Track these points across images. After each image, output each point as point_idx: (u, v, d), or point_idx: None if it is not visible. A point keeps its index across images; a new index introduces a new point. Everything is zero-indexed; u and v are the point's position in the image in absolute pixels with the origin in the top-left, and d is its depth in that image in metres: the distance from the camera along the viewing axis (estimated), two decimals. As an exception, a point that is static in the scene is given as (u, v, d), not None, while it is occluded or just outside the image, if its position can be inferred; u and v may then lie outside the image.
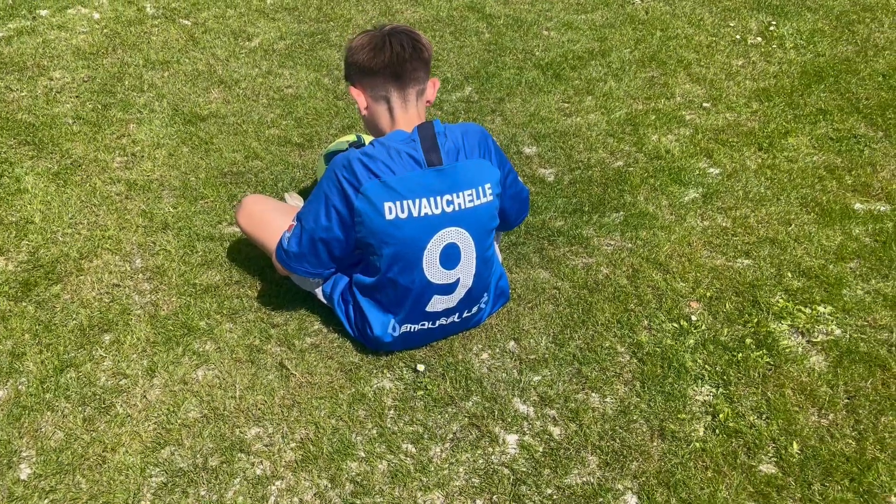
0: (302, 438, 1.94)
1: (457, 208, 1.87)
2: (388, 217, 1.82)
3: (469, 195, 1.89)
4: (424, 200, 1.83)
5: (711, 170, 2.85)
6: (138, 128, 3.03)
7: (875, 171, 2.82)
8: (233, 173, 2.80)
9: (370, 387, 2.06)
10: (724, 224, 2.60)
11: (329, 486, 1.84)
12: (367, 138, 2.48)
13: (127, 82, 3.29)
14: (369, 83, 1.89)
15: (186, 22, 3.78)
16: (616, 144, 2.97)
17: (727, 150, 2.93)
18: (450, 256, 1.92)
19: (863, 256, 2.46)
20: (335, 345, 2.18)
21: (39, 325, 2.21)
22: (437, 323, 2.05)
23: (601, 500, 1.81)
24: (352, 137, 2.54)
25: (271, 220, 2.17)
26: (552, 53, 3.52)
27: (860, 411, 1.98)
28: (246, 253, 2.45)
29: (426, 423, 1.98)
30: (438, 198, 1.85)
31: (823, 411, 2.00)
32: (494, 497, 1.82)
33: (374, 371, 2.10)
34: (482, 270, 1.99)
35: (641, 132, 3.02)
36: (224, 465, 1.87)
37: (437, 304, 1.98)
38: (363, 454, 1.91)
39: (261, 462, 1.89)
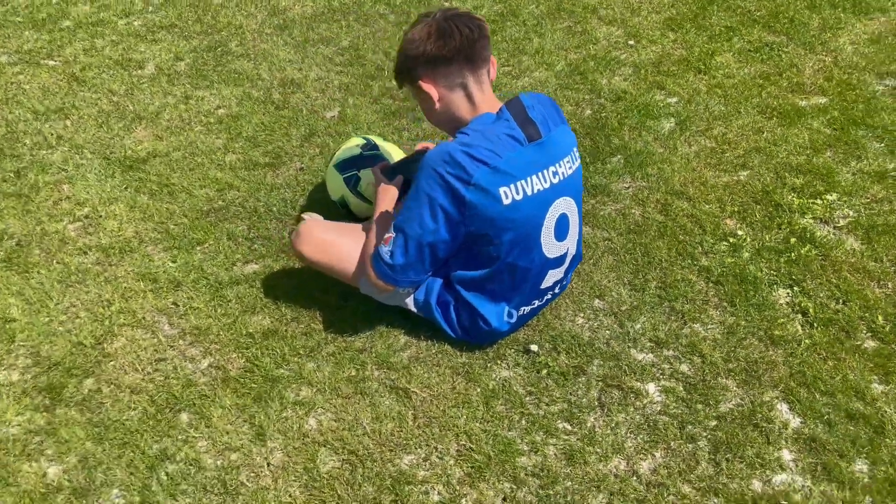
0: (459, 451, 1.86)
1: (562, 178, 1.86)
2: (506, 202, 1.76)
3: (567, 162, 1.88)
4: (534, 177, 1.79)
5: (670, 99, 3.01)
6: (73, 187, 2.65)
7: (799, 70, 3.13)
8: (215, 210, 2.55)
9: (493, 381, 2.01)
10: (709, 145, 2.78)
11: (514, 487, 1.78)
12: (378, 140, 2.36)
13: (28, 140, 2.85)
14: (442, 72, 1.80)
15: (53, 62, 3.32)
16: (574, 95, 3.05)
17: (673, 79, 3.11)
18: (561, 228, 1.90)
19: (832, 145, 2.74)
20: (435, 351, 2.09)
21: (97, 427, 1.91)
22: (545, 298, 2.03)
23: (759, 415, 1.90)
24: (359, 140, 2.40)
25: (341, 242, 2.02)
26: None
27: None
28: (284, 286, 2.26)
29: (567, 397, 1.96)
30: (545, 171, 1.82)
31: (882, 282, 2.22)
32: (672, 444, 1.85)
33: (488, 365, 2.04)
34: (581, 235, 2.00)
35: (591, 79, 3.12)
36: (399, 502, 1.74)
37: (550, 278, 1.96)
38: (527, 447, 1.86)
39: (433, 487, 1.78)
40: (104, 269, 2.35)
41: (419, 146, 2.21)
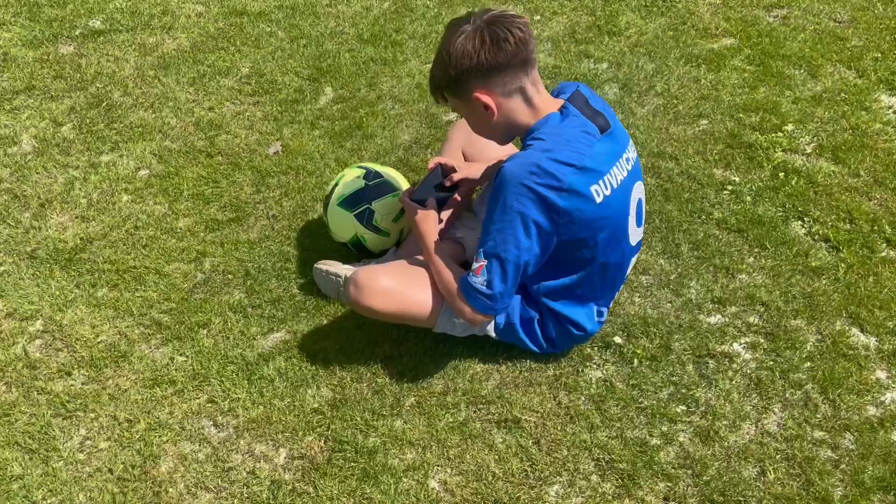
0: (598, 465, 1.79)
1: (633, 163, 1.81)
2: (598, 201, 1.69)
3: (632, 147, 1.84)
4: (615, 168, 1.73)
5: (601, 66, 3.05)
6: (6, 301, 2.21)
7: (699, 17, 3.29)
8: (199, 284, 2.24)
9: (592, 385, 1.95)
10: (660, 102, 2.85)
11: (669, 485, 1.75)
12: (377, 167, 2.19)
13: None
14: (498, 81, 1.68)
15: None
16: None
17: (594, 46, 3.15)
18: (639, 213, 1.87)
19: (762, 80, 2.91)
20: (519, 371, 1.99)
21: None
22: (621, 286, 1.99)
23: (841, 344, 2.00)
24: (357, 172, 2.20)
25: (408, 286, 1.86)
26: (366, 26, 3.31)
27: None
28: (326, 347, 2.05)
29: (669, 380, 1.95)
30: (621, 160, 1.76)
31: (869, 195, 2.40)
32: (785, 395, 1.90)
33: (578, 370, 1.98)
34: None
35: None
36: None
37: (630, 266, 1.92)
38: (660, 440, 1.83)
39: (593, 511, 1.70)
40: (102, 386, 1.99)
41: (431, 164, 2.06)
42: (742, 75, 2.92)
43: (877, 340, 2.01)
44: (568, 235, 1.70)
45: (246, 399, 1.94)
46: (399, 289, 1.84)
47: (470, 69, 1.65)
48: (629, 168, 1.78)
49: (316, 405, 1.91)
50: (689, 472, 1.76)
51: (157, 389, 1.97)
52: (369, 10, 3.40)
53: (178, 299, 2.19)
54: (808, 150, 2.59)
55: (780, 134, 2.64)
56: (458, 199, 2.08)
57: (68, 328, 2.13)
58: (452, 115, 2.80)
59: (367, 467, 1.78)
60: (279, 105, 2.88)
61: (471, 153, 2.22)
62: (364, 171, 2.18)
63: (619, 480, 1.75)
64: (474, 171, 2.08)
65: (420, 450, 1.82)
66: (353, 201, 2.13)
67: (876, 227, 2.29)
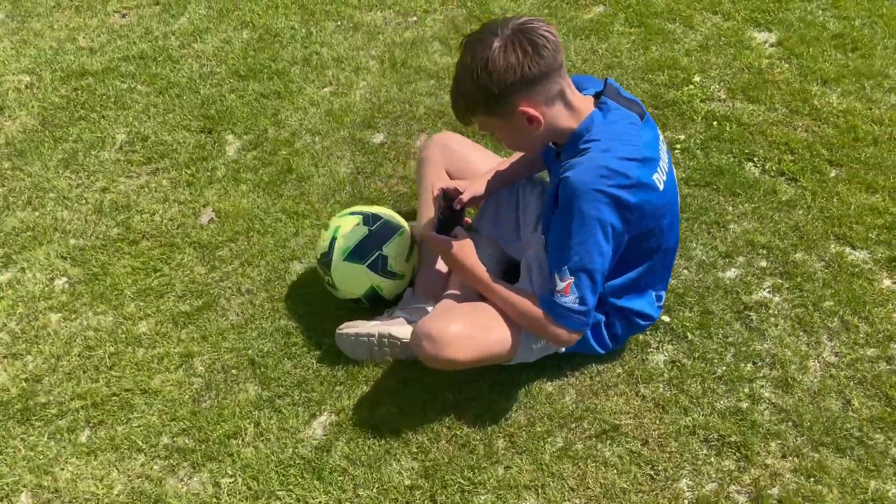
0: (712, 447, 1.80)
1: (665, 145, 1.82)
2: (661, 188, 1.67)
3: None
4: (661, 153, 1.73)
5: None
6: None
7: (562, -11, 3.37)
8: (199, 392, 1.95)
9: (664, 370, 1.95)
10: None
11: (782, 441, 1.79)
12: (370, 209, 2.03)
13: None
14: (541, 90, 1.59)
15: None
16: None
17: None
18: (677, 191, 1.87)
19: (649, 39, 3.05)
20: (590, 378, 1.95)
21: None
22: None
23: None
24: (354, 220, 2.02)
25: (480, 329, 1.74)
26: (237, 61, 3.02)
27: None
28: (387, 417, 1.87)
29: (726, 342, 2.00)
30: (661, 143, 1.76)
31: (802, 126, 2.62)
32: (842, 319, 2.02)
33: (643, 358, 1.97)
34: None
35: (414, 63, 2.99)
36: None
37: None
38: (749, 402, 1.88)
39: (741, 490, 1.71)
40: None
41: (436, 191, 1.93)
42: (630, 38, 3.03)
43: (868, 253, 2.18)
44: (638, 230, 1.66)
45: (328, 499, 1.70)
46: (474, 332, 1.70)
47: (514, 83, 1.55)
48: (666, 149, 1.77)
49: (408, 481, 1.73)
50: (790, 423, 1.81)
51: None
52: (229, 43, 3.10)
53: (186, 415, 1.87)
54: (723, 96, 2.74)
55: (692, 86, 2.78)
56: (469, 221, 1.97)
57: (68, 491, 1.75)
58: (382, 137, 2.64)
59: None
60: (185, 167, 2.55)
61: (455, 170, 2.10)
62: (360, 216, 1.99)
63: (737, 453, 1.76)
64: (478, 188, 1.98)
65: (539, 489, 1.71)
66: (361, 252, 1.94)
67: (814, 152, 2.49)
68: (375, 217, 1.99)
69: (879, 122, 2.58)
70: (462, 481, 1.73)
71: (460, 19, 3.19)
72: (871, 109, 2.64)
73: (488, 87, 1.55)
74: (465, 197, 1.92)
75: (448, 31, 3.13)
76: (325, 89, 2.87)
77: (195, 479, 1.77)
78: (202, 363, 1.99)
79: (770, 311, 2.04)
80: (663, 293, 1.90)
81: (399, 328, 1.92)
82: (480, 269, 1.78)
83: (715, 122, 2.61)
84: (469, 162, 2.10)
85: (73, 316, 2.12)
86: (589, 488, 1.71)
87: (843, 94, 2.71)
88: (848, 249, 2.20)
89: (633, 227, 1.64)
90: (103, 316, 2.12)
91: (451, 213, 1.90)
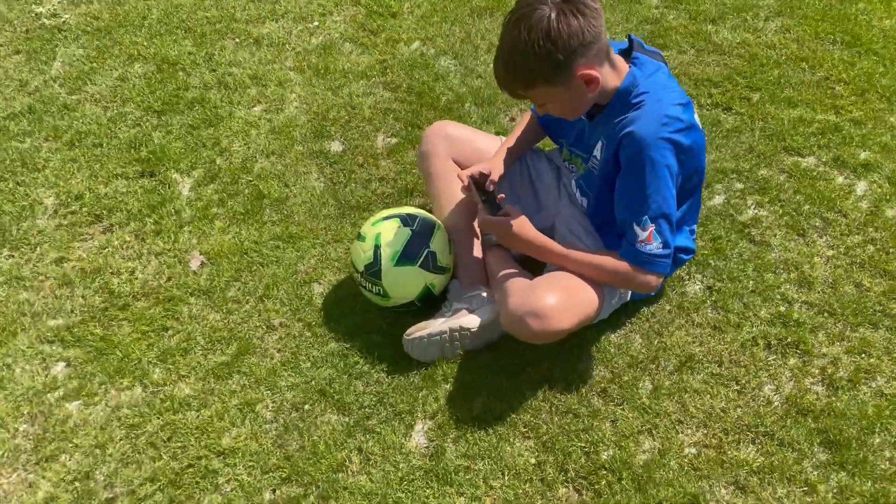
0: (779, 353, 1.99)
1: None
2: (700, 126, 1.81)
3: None
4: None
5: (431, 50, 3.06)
6: None
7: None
8: (284, 489, 1.85)
9: (702, 298, 2.11)
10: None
11: (830, 332, 2.02)
12: (402, 210, 2.02)
13: None
14: (594, 52, 1.65)
15: None
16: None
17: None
18: None
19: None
20: (644, 321, 2.06)
21: None
22: None
23: None
24: (392, 224, 1.98)
25: (572, 290, 1.80)
26: (147, 97, 2.80)
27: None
28: (484, 408, 1.88)
29: (744, 258, 2.20)
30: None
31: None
32: (835, 204, 2.28)
33: (679, 293, 2.11)
34: None
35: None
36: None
37: None
38: (787, 306, 2.08)
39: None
40: None
41: (465, 180, 1.95)
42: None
43: (815, 158, 2.48)
44: (688, 169, 1.78)
45: (466, 500, 1.69)
46: (569, 300, 1.75)
47: (577, 48, 1.60)
48: None
49: (533, 460, 1.77)
50: (825, 314, 2.03)
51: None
52: (126, 79, 2.87)
53: (280, 463, 1.77)
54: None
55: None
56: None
57: None
58: (340, 145, 2.58)
59: (640, 479, 1.71)
60: (144, 217, 2.35)
61: (462, 157, 2.11)
62: (397, 218, 1.96)
63: (797, 351, 1.96)
64: (498, 167, 2.02)
65: (652, 431, 1.81)
66: (410, 253, 1.92)
67: (734, 82, 2.77)
68: (412, 216, 1.96)
69: (772, 47, 2.91)
70: (582, 444, 1.77)
71: (361, 16, 3.16)
72: (759, 37, 2.96)
73: (553, 55, 1.58)
74: (495, 177, 1.95)
75: (355, 30, 3.09)
76: (256, 108, 2.75)
77: (320, 522, 1.67)
78: (268, 408, 1.87)
79: (765, 225, 2.26)
80: (695, 227, 2.04)
81: (467, 319, 1.91)
82: (547, 240, 1.83)
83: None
84: (475, 146, 2.12)
85: (95, 399, 1.90)
86: (693, 416, 1.82)
87: (732, 29, 3.01)
88: (798, 158, 2.47)
89: (685, 168, 1.76)
90: (130, 390, 1.92)
91: (487, 196, 1.91)
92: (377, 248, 1.91)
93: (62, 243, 2.27)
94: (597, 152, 1.82)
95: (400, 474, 1.73)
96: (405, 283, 1.92)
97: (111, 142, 2.59)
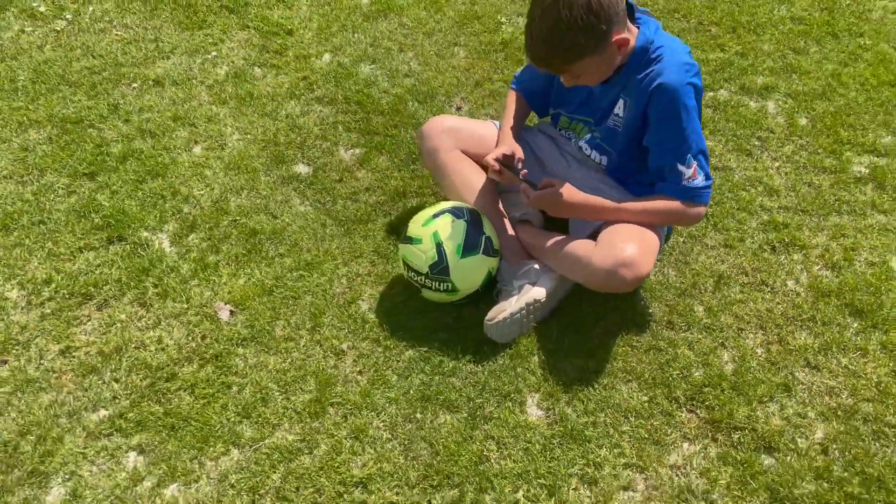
0: (782, 251, 2.31)
1: None
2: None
3: None
4: None
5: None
6: None
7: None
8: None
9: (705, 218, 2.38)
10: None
11: (814, 219, 2.38)
12: (445, 204, 2.09)
13: None
14: (622, 17, 1.81)
15: None
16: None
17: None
18: None
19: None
20: (674, 257, 2.30)
21: None
22: None
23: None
24: (446, 219, 2.01)
25: (640, 235, 1.96)
26: (84, 158, 2.55)
27: None
28: (577, 367, 1.98)
29: (738, 209, 2.51)
30: None
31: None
32: (754, 127, 2.66)
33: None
34: None
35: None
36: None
37: None
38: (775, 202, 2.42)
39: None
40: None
41: (496, 165, 2.04)
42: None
43: (726, 91, 2.85)
44: (700, 105, 2.00)
45: (607, 450, 1.81)
46: (643, 246, 1.90)
47: (614, 16, 1.74)
48: None
49: (645, 397, 1.91)
50: (802, 213, 2.37)
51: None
52: (30, 149, 2.60)
53: (422, 471, 1.77)
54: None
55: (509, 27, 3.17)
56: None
57: None
58: (306, 167, 2.54)
59: (736, 385, 1.93)
60: (138, 284, 2.17)
61: (469, 147, 2.19)
62: (448, 213, 2.00)
63: (801, 249, 2.27)
64: (513, 147, 2.12)
65: (734, 336, 2.03)
66: (471, 243, 1.98)
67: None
68: (459, 208, 2.02)
69: (645, 4, 3.26)
70: (676, 372, 1.95)
71: (256, 39, 3.09)
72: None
73: (597, 27, 1.72)
74: (519, 155, 2.06)
75: (258, 54, 3.02)
76: (197, 149, 2.61)
77: (490, 515, 1.70)
78: (380, 429, 1.85)
79: (718, 153, 2.58)
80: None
81: (535, 291, 2.01)
82: (597, 199, 1.97)
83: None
84: (477, 134, 2.20)
85: (194, 476, 1.76)
86: (749, 322, 2.08)
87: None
88: (713, 93, 2.84)
89: (699, 105, 1.98)
90: (227, 455, 1.80)
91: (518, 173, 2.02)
92: (439, 245, 1.94)
93: (59, 333, 2.03)
94: (618, 110, 1.98)
95: (539, 447, 1.79)
96: (472, 274, 1.97)
97: (52, 216, 2.33)
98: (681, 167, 1.90)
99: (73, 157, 2.52)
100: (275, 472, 1.75)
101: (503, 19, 3.20)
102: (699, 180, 1.91)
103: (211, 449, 1.80)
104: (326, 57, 3.01)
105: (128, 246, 2.25)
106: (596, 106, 2.06)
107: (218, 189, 2.44)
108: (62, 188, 2.43)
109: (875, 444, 1.80)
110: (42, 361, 1.97)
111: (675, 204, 1.94)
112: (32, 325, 2.04)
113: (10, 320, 2.05)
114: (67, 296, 2.12)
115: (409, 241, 1.99)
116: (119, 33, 3.11)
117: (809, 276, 2.18)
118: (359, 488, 1.73)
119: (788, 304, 2.11)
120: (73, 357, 1.98)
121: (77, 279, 2.15)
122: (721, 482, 1.73)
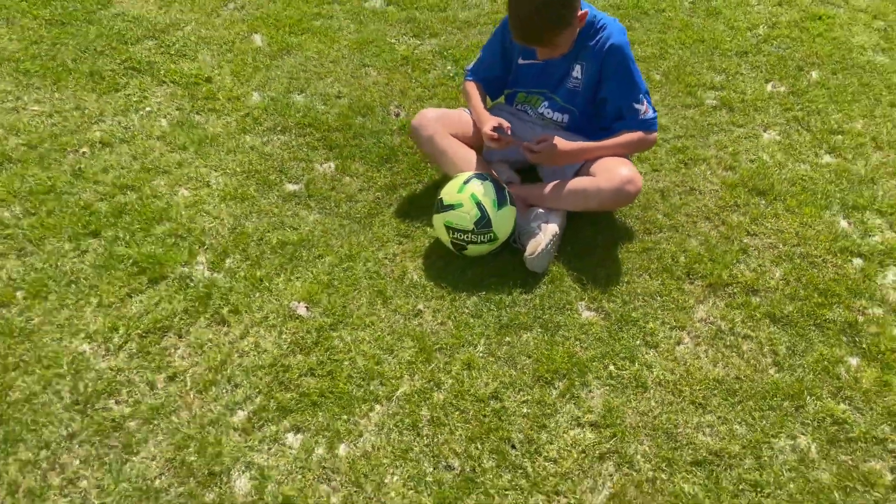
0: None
1: None
2: None
3: None
4: None
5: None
6: None
7: None
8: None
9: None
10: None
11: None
12: (462, 177, 2.51)
13: None
14: None
15: None
16: None
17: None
18: None
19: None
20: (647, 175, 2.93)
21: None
22: None
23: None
24: (476, 181, 2.43)
25: (616, 157, 2.54)
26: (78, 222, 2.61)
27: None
28: (605, 278, 2.53)
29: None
30: None
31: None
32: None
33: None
34: None
35: None
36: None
37: None
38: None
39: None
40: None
41: (493, 133, 2.52)
42: None
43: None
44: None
45: (646, 353, 2.37)
46: (630, 166, 2.45)
47: (580, -6, 2.32)
48: None
49: (660, 285, 2.50)
50: (684, 132, 3.13)
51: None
52: (9, 225, 2.64)
53: (557, 368, 2.20)
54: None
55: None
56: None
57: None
58: (296, 186, 2.82)
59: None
60: (206, 310, 2.33)
61: (457, 131, 2.65)
62: (474, 177, 2.41)
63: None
64: (501, 120, 2.59)
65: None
66: (501, 197, 2.41)
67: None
68: (479, 174, 2.45)
69: None
70: (676, 254, 2.55)
71: (180, 91, 3.28)
72: None
73: (574, 2, 2.28)
74: (506, 125, 2.56)
75: (190, 102, 3.21)
76: (184, 191, 2.78)
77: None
78: (483, 356, 2.22)
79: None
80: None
81: (552, 227, 2.49)
82: (583, 143, 2.52)
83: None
84: (461, 119, 2.67)
85: (357, 433, 2.03)
86: (701, 212, 2.74)
87: None
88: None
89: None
90: (373, 411, 2.07)
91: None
92: (479, 204, 2.37)
93: (156, 365, 2.16)
94: (576, 74, 2.55)
95: (606, 333, 2.28)
96: (507, 222, 2.42)
97: (80, 274, 2.41)
98: (636, 105, 2.50)
99: (64, 222, 2.58)
100: (421, 409, 2.07)
101: (392, 40, 3.66)
102: (650, 113, 2.53)
103: (357, 410, 2.06)
104: (255, 95, 3.27)
105: (173, 283, 2.40)
106: (550, 77, 2.61)
107: (227, 218, 2.64)
108: (71, 251, 2.49)
109: (813, 270, 2.52)
110: (156, 391, 2.09)
111: (637, 135, 2.53)
112: (126, 367, 2.15)
113: (101, 368, 2.14)
114: (143, 335, 2.23)
115: (451, 207, 2.39)
116: (35, 108, 3.12)
117: (717, 177, 2.90)
118: (493, 400, 2.10)
119: (715, 198, 2.80)
120: (184, 380, 2.12)
121: (142, 320, 2.27)
122: (737, 321, 2.35)
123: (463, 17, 3.90)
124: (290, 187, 2.79)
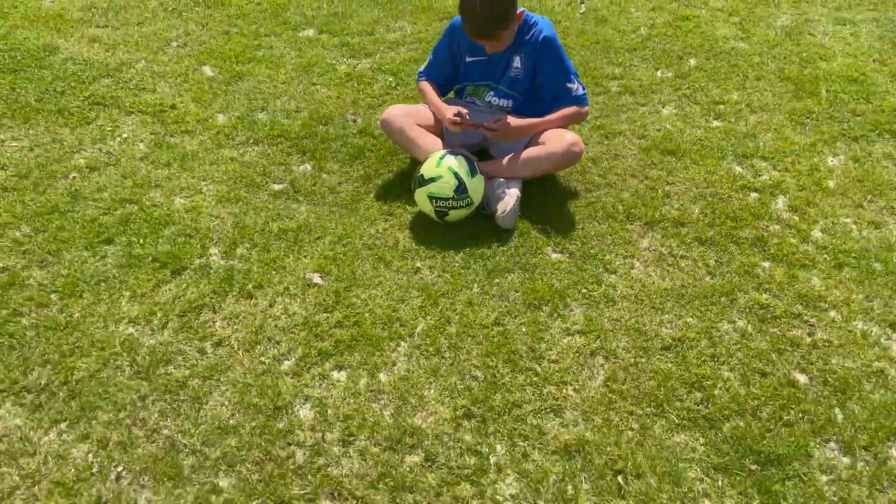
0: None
1: None
2: None
3: None
4: None
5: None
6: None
7: None
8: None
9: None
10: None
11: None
12: (436, 157, 3.00)
13: None
14: None
15: None
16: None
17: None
18: None
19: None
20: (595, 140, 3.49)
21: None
22: None
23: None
24: (451, 156, 2.89)
25: (564, 131, 3.09)
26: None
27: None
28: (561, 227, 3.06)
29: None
30: None
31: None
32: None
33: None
34: None
35: None
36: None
37: None
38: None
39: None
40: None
41: (456, 119, 3.02)
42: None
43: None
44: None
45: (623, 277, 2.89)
46: (573, 133, 2.99)
47: (517, -1, 2.87)
48: None
49: (644, 241, 3.04)
50: (599, 113, 3.73)
51: (616, 296, 2.71)
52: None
53: (542, 297, 2.66)
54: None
55: None
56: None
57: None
58: (281, 185, 3.18)
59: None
60: (228, 293, 2.66)
61: (421, 121, 3.11)
62: (447, 153, 2.86)
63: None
64: (460, 109, 3.08)
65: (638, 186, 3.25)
66: (473, 168, 2.88)
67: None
68: (450, 151, 2.93)
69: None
70: (619, 201, 3.10)
71: (149, 118, 3.59)
72: None
73: (516, 1, 2.82)
74: (465, 112, 3.05)
75: (161, 127, 3.53)
76: (181, 199, 3.07)
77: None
78: (479, 295, 2.66)
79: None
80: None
81: (514, 191, 2.97)
82: (532, 121, 3.04)
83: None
84: (424, 112, 3.13)
85: (391, 363, 2.41)
86: (629, 172, 3.31)
87: None
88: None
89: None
90: (401, 346, 2.46)
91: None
92: (455, 174, 2.82)
93: (202, 335, 2.45)
94: (517, 65, 3.07)
95: (573, 267, 2.77)
96: (479, 188, 2.88)
97: (107, 274, 2.68)
98: (569, 85, 3.05)
99: (76, 234, 2.83)
100: (439, 339, 2.47)
101: (333, 62, 4.10)
102: (581, 91, 3.08)
103: (387, 346, 2.44)
104: (220, 116, 3.61)
105: (195, 272, 2.70)
106: (494, 69, 3.12)
107: (227, 217, 2.97)
108: (90, 257, 2.75)
109: (722, 203, 3.12)
110: (207, 355, 2.40)
111: (573, 109, 3.07)
112: (174, 340, 2.44)
113: (150, 344, 2.42)
114: (180, 314, 2.53)
115: (431, 181, 2.83)
116: (14, 144, 3.34)
117: (634, 145, 3.49)
118: (496, 326, 2.53)
119: (636, 160, 3.38)
120: (230, 344, 2.44)
121: (175, 303, 2.57)
122: (673, 246, 2.90)
123: (391, 38, 4.38)
124: (277, 187, 3.14)
